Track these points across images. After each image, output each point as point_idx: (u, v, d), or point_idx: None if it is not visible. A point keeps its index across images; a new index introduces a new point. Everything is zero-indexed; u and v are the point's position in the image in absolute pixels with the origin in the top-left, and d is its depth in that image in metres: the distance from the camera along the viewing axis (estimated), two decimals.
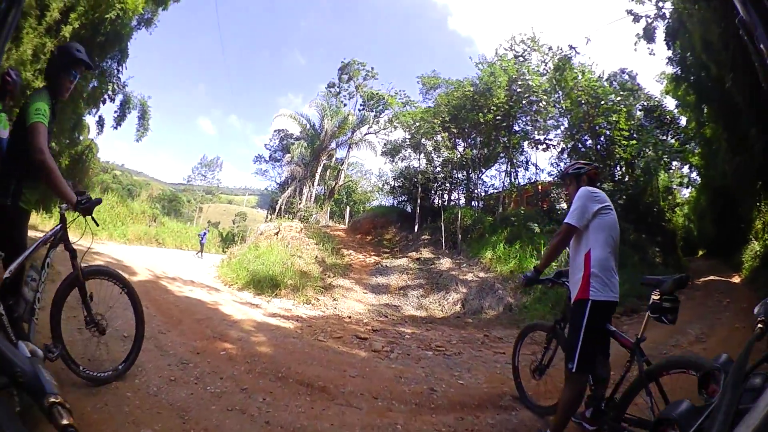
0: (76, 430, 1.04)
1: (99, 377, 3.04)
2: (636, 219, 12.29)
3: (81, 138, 15.36)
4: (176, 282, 8.82)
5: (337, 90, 28.87)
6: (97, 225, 3.06)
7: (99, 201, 2.84)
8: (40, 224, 10.58)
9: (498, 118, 14.37)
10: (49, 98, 2.59)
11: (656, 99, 14.38)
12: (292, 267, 11.46)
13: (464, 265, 13.00)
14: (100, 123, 16.84)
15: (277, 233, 14.73)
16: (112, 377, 3.12)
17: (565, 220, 2.85)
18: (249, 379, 3.86)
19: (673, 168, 13.82)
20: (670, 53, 12.38)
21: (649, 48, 12.14)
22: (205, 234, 17.05)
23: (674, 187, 14.24)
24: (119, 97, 16.71)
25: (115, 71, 14.62)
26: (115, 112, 17.27)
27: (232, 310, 7.27)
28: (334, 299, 10.30)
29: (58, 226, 2.79)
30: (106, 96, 15.03)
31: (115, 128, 17.25)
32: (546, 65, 14.83)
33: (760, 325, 1.34)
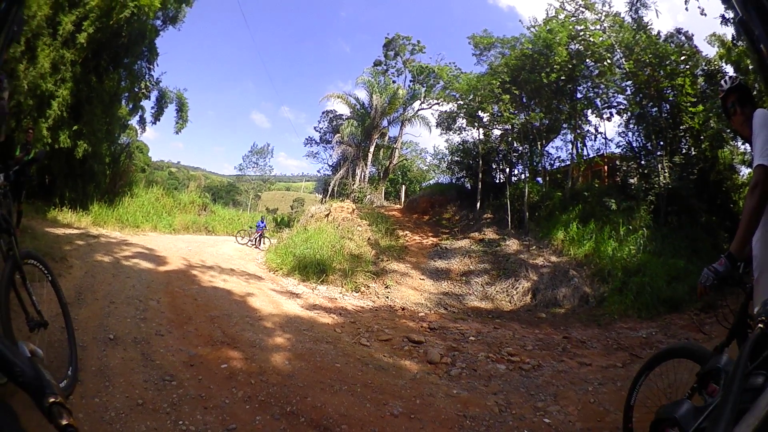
0: (76, 430, 0.94)
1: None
2: (708, 198, 10.83)
3: (120, 140, 15.53)
4: (211, 271, 7.98)
5: (385, 67, 27.95)
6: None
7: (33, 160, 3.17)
8: (75, 222, 10.35)
9: (562, 78, 13.09)
10: None
11: (716, 64, 11.99)
12: (341, 250, 10.57)
13: (533, 248, 11.68)
14: (142, 122, 17.10)
15: (327, 215, 13.92)
16: (70, 387, 2.51)
17: (757, 161, 1.79)
18: (243, 413, 2.72)
19: (734, 144, 11.48)
20: (723, 10, 9.91)
21: (700, 8, 10.31)
22: (261, 225, 14.87)
23: (736, 165, 11.78)
24: (154, 94, 16.87)
25: (146, 69, 14.49)
26: (152, 108, 17.38)
27: (263, 302, 6.27)
28: (387, 286, 9.42)
29: None
30: (140, 94, 14.99)
31: (153, 123, 17.51)
32: (601, 23, 13.31)
33: (760, 325, 1.31)
